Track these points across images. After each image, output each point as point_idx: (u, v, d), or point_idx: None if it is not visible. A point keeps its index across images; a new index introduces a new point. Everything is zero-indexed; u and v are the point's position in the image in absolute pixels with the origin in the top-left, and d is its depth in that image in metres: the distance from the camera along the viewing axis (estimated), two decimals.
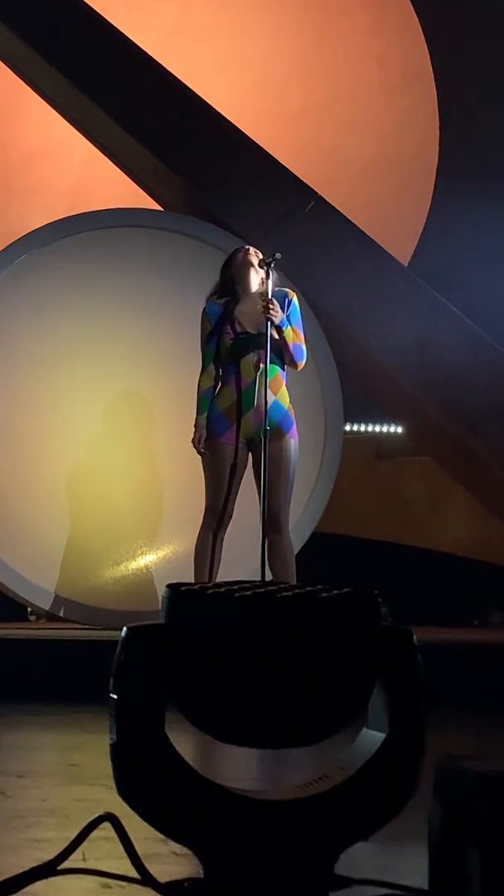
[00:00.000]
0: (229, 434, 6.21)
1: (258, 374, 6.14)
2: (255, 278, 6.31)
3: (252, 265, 6.31)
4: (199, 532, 6.31)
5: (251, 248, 6.43)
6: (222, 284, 6.37)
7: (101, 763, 2.64)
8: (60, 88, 8.33)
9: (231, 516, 6.28)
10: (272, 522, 6.22)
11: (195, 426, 6.30)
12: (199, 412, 6.31)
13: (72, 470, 7.48)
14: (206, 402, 6.30)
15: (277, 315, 6.12)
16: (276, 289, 6.31)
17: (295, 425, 6.30)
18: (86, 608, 7.38)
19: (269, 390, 6.15)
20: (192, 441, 6.30)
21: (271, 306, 6.11)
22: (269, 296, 6.16)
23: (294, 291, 6.44)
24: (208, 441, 6.28)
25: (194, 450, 6.32)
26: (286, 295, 6.34)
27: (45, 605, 7.41)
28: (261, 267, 6.24)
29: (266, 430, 6.07)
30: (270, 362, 6.14)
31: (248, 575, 6.21)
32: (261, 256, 6.31)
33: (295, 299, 6.36)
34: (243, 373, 6.22)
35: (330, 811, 2.56)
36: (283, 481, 6.24)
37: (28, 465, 7.40)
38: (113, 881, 2.58)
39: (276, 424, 6.19)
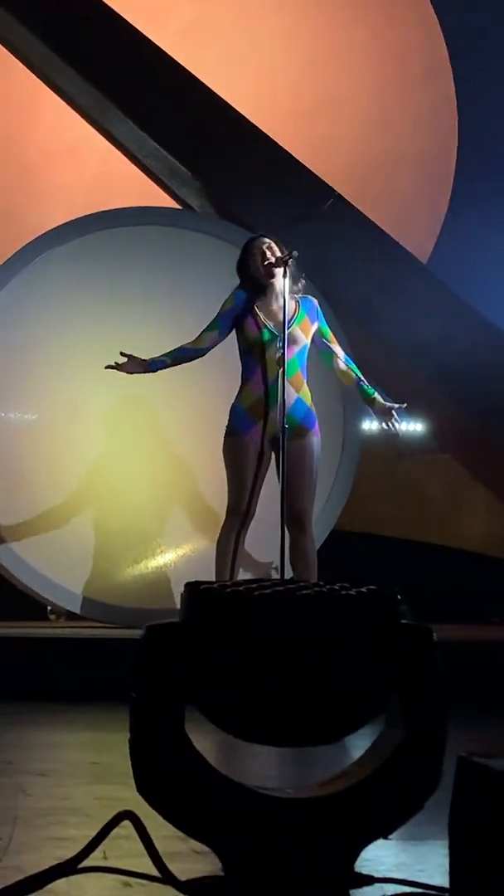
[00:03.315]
0: (254, 432, 6.18)
1: (280, 371, 6.12)
2: (278, 280, 6.22)
3: (272, 273, 6.20)
4: (221, 531, 6.29)
5: (266, 243, 6.29)
6: (244, 285, 6.30)
7: (122, 761, 2.64)
8: (77, 87, 8.34)
9: (253, 515, 6.25)
10: (296, 520, 6.20)
11: (143, 360, 6.17)
12: (162, 355, 6.19)
13: (92, 469, 7.48)
14: (173, 353, 6.21)
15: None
16: (300, 296, 6.29)
17: (318, 422, 6.28)
18: (106, 607, 7.38)
19: (291, 387, 6.13)
20: (123, 364, 6.17)
21: (395, 423, 6.19)
22: (286, 296, 6.13)
23: (316, 297, 6.44)
24: (232, 440, 6.23)
25: (217, 448, 6.28)
26: (313, 303, 6.32)
27: (65, 603, 7.42)
28: (277, 266, 6.20)
29: (284, 427, 6.05)
30: (291, 360, 6.13)
31: (269, 574, 6.20)
32: (278, 253, 6.24)
33: (317, 303, 6.35)
34: (267, 370, 6.18)
35: (350, 809, 2.55)
36: (308, 479, 6.23)
37: (47, 464, 7.40)
38: (133, 879, 2.58)
39: (299, 422, 6.17)
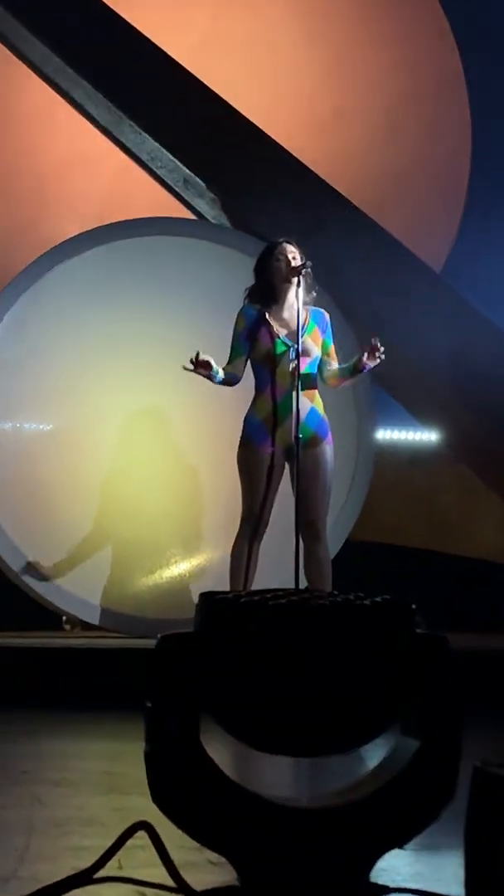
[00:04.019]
0: (267, 443, 6.19)
1: (293, 381, 6.12)
2: (294, 289, 6.24)
3: (289, 281, 6.21)
4: (235, 541, 6.30)
5: (288, 250, 6.30)
6: (258, 287, 6.32)
7: (138, 771, 2.64)
8: (91, 99, 8.36)
9: (267, 525, 6.25)
10: (310, 530, 6.20)
11: (212, 367, 6.13)
12: (220, 370, 6.17)
13: (106, 478, 7.49)
14: (226, 375, 6.20)
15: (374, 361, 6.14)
16: (312, 308, 6.29)
17: (331, 432, 6.28)
18: (120, 616, 7.39)
19: (304, 398, 6.14)
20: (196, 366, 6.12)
21: (377, 354, 6.10)
22: (300, 305, 6.14)
23: (327, 311, 6.43)
24: (246, 450, 6.25)
25: (231, 458, 6.29)
26: (324, 315, 6.32)
27: (80, 613, 7.43)
28: (292, 276, 6.21)
29: (298, 437, 6.06)
30: (304, 370, 6.13)
31: (283, 583, 6.20)
32: (298, 260, 6.24)
33: (328, 318, 6.35)
34: (279, 381, 6.19)
35: (366, 819, 2.55)
36: (321, 488, 6.23)
37: (62, 473, 7.41)
38: (149, 889, 2.58)
39: (313, 432, 6.18)
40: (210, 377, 6.19)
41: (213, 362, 6.15)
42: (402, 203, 9.18)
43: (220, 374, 6.19)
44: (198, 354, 6.13)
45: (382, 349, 6.11)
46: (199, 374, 6.17)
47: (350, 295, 7.83)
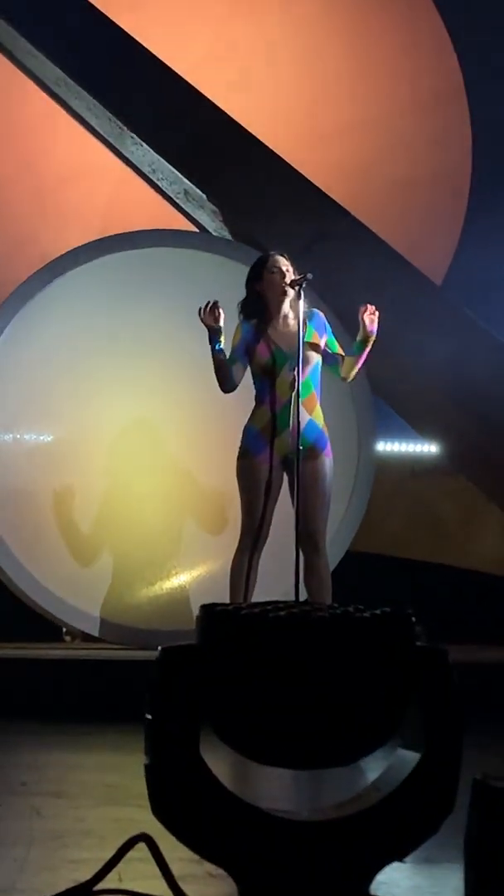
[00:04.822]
0: (266, 453, 6.19)
1: (293, 393, 6.12)
2: (289, 301, 6.24)
3: (285, 292, 6.22)
4: (235, 553, 6.29)
5: (281, 262, 6.29)
6: (252, 301, 6.31)
7: (137, 783, 2.64)
8: (92, 110, 8.38)
9: (267, 537, 6.25)
10: (310, 542, 6.20)
11: (219, 327, 6.13)
12: (225, 352, 6.18)
13: (107, 490, 7.49)
14: (228, 362, 6.18)
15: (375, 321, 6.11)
16: (306, 309, 6.28)
17: (330, 444, 6.28)
18: (121, 628, 7.39)
19: (303, 409, 6.13)
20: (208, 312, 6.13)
21: (373, 316, 6.09)
22: (301, 317, 6.13)
23: (321, 310, 6.43)
24: (244, 461, 6.25)
25: (230, 469, 6.29)
26: (318, 315, 6.32)
27: (80, 625, 7.42)
28: (292, 287, 6.20)
29: (299, 449, 6.05)
30: (304, 381, 6.13)
31: (283, 595, 6.20)
32: (291, 273, 6.24)
33: (323, 315, 6.35)
34: (278, 392, 6.20)
35: (366, 831, 2.55)
36: (320, 500, 6.22)
37: (63, 485, 7.41)
38: None
39: (311, 443, 6.17)
40: (213, 331, 6.13)
41: (222, 321, 6.11)
42: (402, 215, 9.19)
43: (221, 345, 6.16)
44: (214, 303, 6.11)
45: (373, 308, 6.11)
46: (206, 324, 6.14)
47: (349, 307, 7.83)
